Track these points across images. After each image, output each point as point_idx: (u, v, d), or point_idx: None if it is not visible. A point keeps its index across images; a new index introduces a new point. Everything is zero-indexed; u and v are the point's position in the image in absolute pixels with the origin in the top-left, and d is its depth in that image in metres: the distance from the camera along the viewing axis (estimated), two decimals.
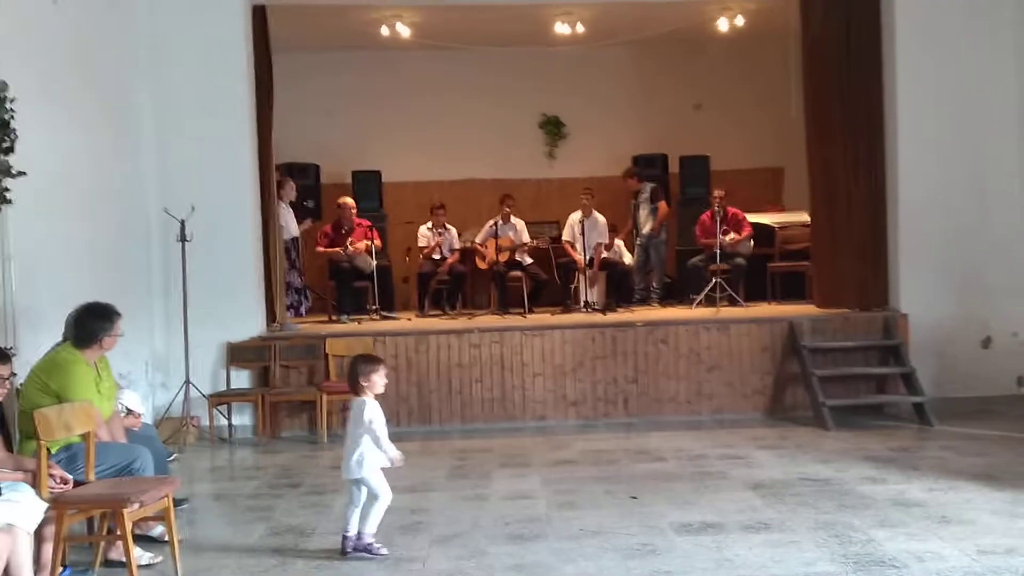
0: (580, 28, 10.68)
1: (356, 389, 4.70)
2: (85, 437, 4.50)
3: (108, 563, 4.60)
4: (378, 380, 4.72)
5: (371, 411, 4.63)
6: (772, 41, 10.76)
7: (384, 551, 4.64)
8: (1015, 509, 5.12)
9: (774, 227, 10.53)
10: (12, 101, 5.26)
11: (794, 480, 5.91)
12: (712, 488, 5.79)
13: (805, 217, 9.86)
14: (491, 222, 10.08)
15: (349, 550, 4.63)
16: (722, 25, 10.60)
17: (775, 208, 11.49)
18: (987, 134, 8.40)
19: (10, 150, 5.25)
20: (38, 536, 4.04)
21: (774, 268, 10.15)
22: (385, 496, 4.64)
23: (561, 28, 10.66)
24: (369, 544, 4.64)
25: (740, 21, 10.52)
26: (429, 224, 10.30)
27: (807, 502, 5.39)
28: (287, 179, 9.49)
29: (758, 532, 4.86)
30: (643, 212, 10.34)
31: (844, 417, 7.62)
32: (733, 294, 9.29)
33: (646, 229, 10.27)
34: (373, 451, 4.61)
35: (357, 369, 4.71)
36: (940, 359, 8.19)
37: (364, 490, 4.64)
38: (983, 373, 8.24)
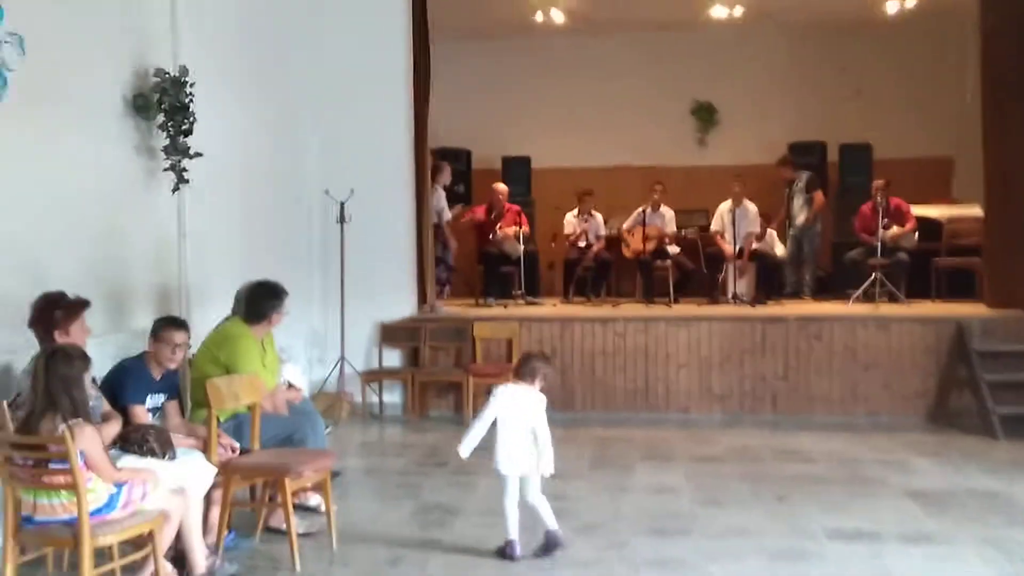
0: (738, 11, 10.36)
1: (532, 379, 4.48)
2: (251, 408, 4.74)
3: (268, 529, 4.83)
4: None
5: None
6: (943, 20, 10.11)
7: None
8: None
9: (941, 221, 9.92)
10: (192, 85, 5.58)
11: (959, 491, 5.58)
12: (867, 494, 5.53)
13: (977, 210, 9.23)
14: (640, 209, 9.96)
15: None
16: (891, 8, 10.04)
17: (943, 200, 10.83)
18: None
19: (189, 132, 5.58)
20: (206, 500, 4.29)
21: (941, 264, 9.58)
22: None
23: (718, 12, 10.39)
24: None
25: (911, 3, 9.94)
26: (576, 211, 10.28)
27: (972, 515, 5.08)
28: (444, 164, 9.66)
29: (918, 544, 4.62)
30: (797, 202, 9.97)
31: (1016, 427, 7.10)
32: (894, 290, 8.82)
33: (800, 220, 9.89)
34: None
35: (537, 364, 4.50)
36: None
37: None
38: None
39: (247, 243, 6.89)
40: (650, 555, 4.49)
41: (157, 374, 4.50)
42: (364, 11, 8.28)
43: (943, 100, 10.71)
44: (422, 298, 8.63)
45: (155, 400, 4.51)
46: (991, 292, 8.41)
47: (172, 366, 4.54)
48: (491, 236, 9.62)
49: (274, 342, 5.34)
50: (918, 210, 9.70)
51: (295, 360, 7.14)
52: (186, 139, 5.61)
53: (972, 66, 9.01)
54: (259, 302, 5.07)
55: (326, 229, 8.21)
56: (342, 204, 7.91)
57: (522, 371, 4.50)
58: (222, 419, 4.71)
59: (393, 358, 8.36)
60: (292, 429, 4.97)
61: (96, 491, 3.58)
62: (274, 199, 7.58)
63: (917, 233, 9.44)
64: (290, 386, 5.49)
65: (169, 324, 4.55)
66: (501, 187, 9.96)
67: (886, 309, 8.38)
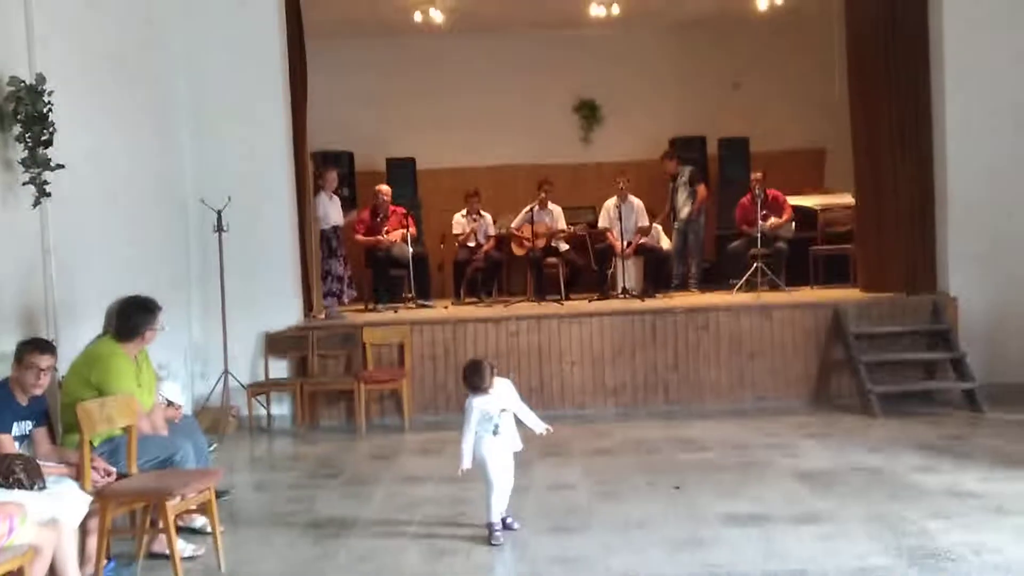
0: (616, 10, 10.53)
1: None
2: (127, 430, 4.50)
3: (151, 555, 4.59)
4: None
5: (467, 405, 4.80)
6: (814, 19, 10.52)
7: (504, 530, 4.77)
8: None
9: (816, 209, 10.32)
10: (50, 94, 5.25)
11: (842, 469, 5.77)
12: (757, 478, 5.66)
13: (849, 199, 9.63)
14: (527, 208, 9.98)
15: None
16: (761, 3, 10.38)
17: (817, 190, 11.27)
18: None
19: (48, 143, 5.24)
20: (82, 529, 4.04)
21: (817, 251, 9.96)
22: (495, 484, 4.77)
23: (596, 10, 10.52)
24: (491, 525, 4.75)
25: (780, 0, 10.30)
26: (464, 211, 10.23)
27: (857, 492, 5.25)
28: (328, 168, 9.45)
29: (807, 524, 4.74)
30: (681, 196, 10.19)
31: (892, 405, 7.43)
32: (774, 279, 9.11)
33: (684, 213, 10.11)
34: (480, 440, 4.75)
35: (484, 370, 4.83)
36: (991, 344, 7.95)
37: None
38: None
39: (118, 257, 6.52)
40: (552, 553, 4.47)
41: (23, 400, 4.25)
42: (236, 12, 8.02)
43: (815, 94, 11.11)
44: (308, 306, 8.41)
45: (22, 428, 4.25)
46: (864, 277, 8.79)
47: (37, 392, 4.27)
48: (378, 239, 9.47)
49: (149, 359, 5.08)
50: (794, 200, 10.07)
51: (175, 376, 6.84)
52: (46, 150, 5.26)
53: (840, 62, 9.37)
54: (131, 318, 4.82)
55: (203, 239, 7.91)
56: (219, 213, 7.62)
57: (479, 382, 4.75)
58: (96, 443, 4.45)
59: (280, 369, 8.11)
60: (173, 449, 4.73)
61: None
62: (146, 210, 7.23)
63: (794, 223, 9.80)
64: (169, 404, 5.24)
65: (33, 348, 4.28)
66: (384, 188, 9.81)
67: (768, 297, 8.64)
